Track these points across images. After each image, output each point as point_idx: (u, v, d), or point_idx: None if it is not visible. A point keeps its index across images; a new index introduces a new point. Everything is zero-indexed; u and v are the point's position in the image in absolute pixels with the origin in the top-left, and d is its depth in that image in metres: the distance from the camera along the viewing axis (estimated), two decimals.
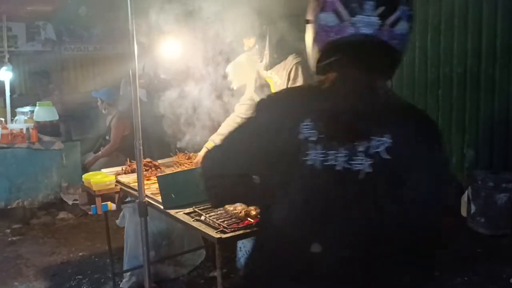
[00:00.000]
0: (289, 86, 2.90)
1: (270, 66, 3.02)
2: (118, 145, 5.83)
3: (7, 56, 6.73)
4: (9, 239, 5.03)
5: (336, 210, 1.28)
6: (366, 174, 1.25)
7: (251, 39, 3.00)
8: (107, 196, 3.06)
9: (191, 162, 3.32)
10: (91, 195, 3.07)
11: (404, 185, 1.26)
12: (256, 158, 1.35)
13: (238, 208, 2.31)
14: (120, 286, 3.75)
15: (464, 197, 4.69)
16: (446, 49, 5.10)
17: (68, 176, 5.83)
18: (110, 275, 3.78)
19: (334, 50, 1.32)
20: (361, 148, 1.26)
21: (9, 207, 5.52)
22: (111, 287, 3.79)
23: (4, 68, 6.46)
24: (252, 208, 2.29)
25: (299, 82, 2.89)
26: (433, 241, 1.35)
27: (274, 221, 1.33)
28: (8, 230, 5.24)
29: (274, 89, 3.05)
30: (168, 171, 3.12)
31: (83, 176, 3.22)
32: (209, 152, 1.51)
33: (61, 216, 5.57)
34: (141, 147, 2.60)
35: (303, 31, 1.44)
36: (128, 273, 3.75)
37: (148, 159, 3.36)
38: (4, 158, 5.48)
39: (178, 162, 3.42)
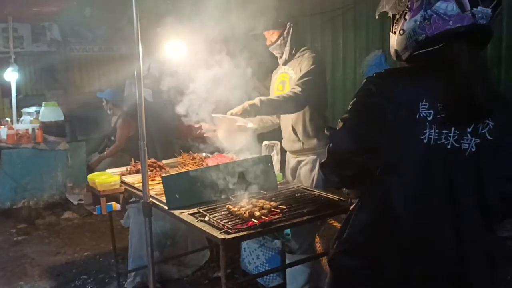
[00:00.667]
0: (302, 74, 2.97)
1: (288, 61, 3.14)
2: (123, 145, 5.84)
3: (13, 56, 6.77)
4: (15, 238, 5.05)
5: (445, 185, 1.44)
6: (471, 152, 1.44)
7: (274, 34, 3.10)
8: (111, 196, 3.07)
9: (195, 163, 3.33)
10: (96, 195, 3.08)
11: (500, 162, 1.47)
12: (378, 132, 1.46)
13: (242, 209, 2.32)
14: (125, 286, 3.76)
15: None
16: None
17: (73, 176, 5.86)
18: (115, 275, 3.79)
19: (446, 38, 1.44)
20: (469, 129, 1.44)
21: (14, 207, 5.56)
22: (115, 287, 3.80)
23: (10, 68, 6.50)
24: (256, 209, 2.30)
25: (306, 69, 2.97)
26: None
27: (388, 196, 1.46)
28: (14, 230, 5.27)
29: (290, 83, 3.12)
30: (172, 171, 3.12)
31: (88, 176, 3.23)
32: (334, 130, 1.56)
33: (66, 216, 5.60)
34: (146, 148, 2.61)
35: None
36: (133, 273, 3.76)
37: (153, 160, 3.37)
38: (10, 158, 5.52)
39: (182, 162, 3.42)
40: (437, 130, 1.43)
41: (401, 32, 1.53)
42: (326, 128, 1.61)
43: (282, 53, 3.16)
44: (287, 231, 3.53)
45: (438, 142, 1.44)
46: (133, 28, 2.53)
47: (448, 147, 1.44)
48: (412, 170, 1.46)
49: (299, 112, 3.09)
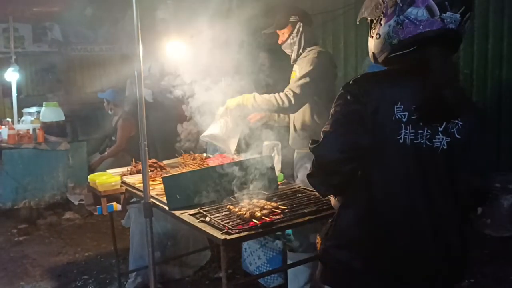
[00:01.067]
0: (299, 76, 3.03)
1: (296, 59, 3.21)
2: (124, 145, 5.85)
3: (13, 57, 6.77)
4: (16, 239, 5.05)
5: (421, 180, 1.57)
6: (443, 150, 1.57)
7: (285, 33, 3.19)
8: (112, 197, 3.06)
9: (196, 163, 3.33)
10: (96, 196, 3.07)
11: (468, 159, 1.61)
12: (359, 138, 1.56)
13: (243, 209, 2.31)
14: (126, 286, 3.76)
15: None
16: None
17: (74, 176, 5.85)
18: (116, 275, 3.79)
19: (417, 42, 1.54)
20: (440, 128, 1.56)
21: (15, 207, 5.55)
22: (116, 287, 3.80)
23: (11, 69, 6.50)
24: (257, 209, 2.29)
25: (303, 72, 3.02)
26: (484, 200, 1.76)
27: (374, 194, 1.58)
28: (15, 230, 5.27)
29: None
30: (173, 172, 3.12)
31: (88, 176, 3.23)
32: (317, 143, 1.62)
33: (67, 216, 5.60)
34: (147, 148, 2.61)
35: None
36: (134, 274, 3.76)
37: (154, 160, 3.37)
38: (11, 159, 5.52)
39: (183, 163, 3.42)
40: (412, 130, 1.55)
41: (377, 36, 1.63)
42: (310, 142, 1.67)
43: (292, 52, 3.22)
44: (289, 231, 3.52)
45: (415, 141, 1.56)
46: (134, 28, 2.53)
47: (424, 146, 1.56)
48: (391, 168, 1.57)
49: (308, 109, 3.14)
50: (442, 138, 1.56)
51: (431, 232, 1.60)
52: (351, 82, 1.61)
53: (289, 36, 3.19)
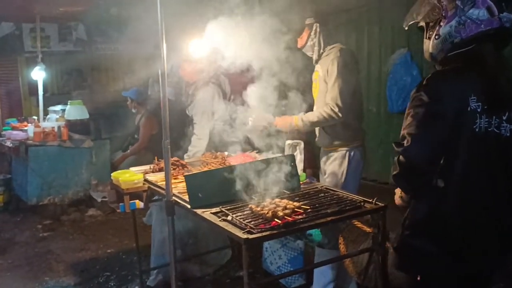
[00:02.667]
0: (326, 80, 3.08)
1: (318, 59, 3.21)
2: (146, 144, 5.90)
3: (40, 56, 6.89)
4: (40, 234, 5.15)
5: (488, 165, 1.76)
6: (506, 137, 1.77)
7: (303, 37, 3.19)
8: (135, 194, 3.08)
9: (217, 161, 3.32)
10: (119, 193, 3.10)
11: None
12: (443, 135, 1.72)
13: (265, 208, 2.29)
14: (147, 283, 3.79)
15: None
16: None
17: (97, 174, 5.93)
18: (137, 272, 3.82)
19: (477, 39, 1.71)
20: (504, 117, 1.76)
21: (40, 203, 5.66)
22: (138, 284, 3.83)
23: (37, 68, 6.62)
24: (279, 209, 2.28)
25: (333, 76, 3.04)
26: None
27: (449, 183, 1.75)
28: (40, 226, 5.37)
29: (319, 81, 3.18)
30: (195, 170, 3.12)
31: (112, 174, 3.25)
32: (411, 142, 1.75)
33: (90, 213, 5.68)
34: (169, 146, 2.61)
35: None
36: (155, 271, 3.78)
37: (176, 158, 3.37)
38: (37, 156, 5.62)
39: (205, 161, 3.42)
40: (486, 119, 1.73)
41: (436, 37, 1.79)
42: (394, 144, 1.82)
43: (313, 53, 3.21)
44: (310, 231, 3.50)
45: (489, 129, 1.74)
46: (158, 28, 2.53)
47: (493, 133, 1.74)
48: (468, 157, 1.73)
49: None
50: (507, 126, 1.76)
51: (494, 215, 1.80)
52: (424, 82, 1.76)
53: (308, 38, 3.17)
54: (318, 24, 3.13)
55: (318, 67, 3.22)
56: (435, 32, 1.80)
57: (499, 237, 1.85)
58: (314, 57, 3.22)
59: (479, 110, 1.72)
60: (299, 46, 3.21)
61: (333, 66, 3.04)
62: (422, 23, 1.87)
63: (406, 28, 1.98)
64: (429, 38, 1.83)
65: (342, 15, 5.89)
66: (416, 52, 5.35)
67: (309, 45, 3.18)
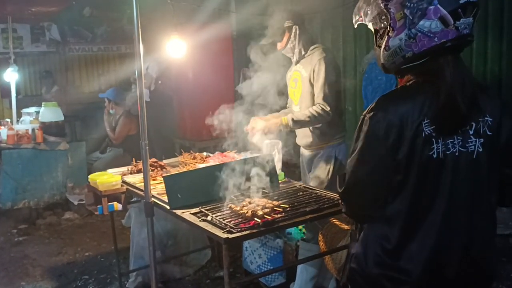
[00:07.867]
0: (313, 80, 3.12)
1: (299, 60, 3.24)
2: (120, 141, 5.92)
3: (12, 57, 6.75)
4: (16, 239, 5.04)
5: (462, 189, 1.51)
6: (479, 152, 1.51)
7: (283, 41, 3.21)
8: (113, 196, 3.06)
9: (196, 162, 3.32)
10: (97, 195, 3.07)
11: (498, 152, 1.54)
12: (390, 160, 1.50)
13: (245, 208, 2.31)
14: (126, 286, 3.76)
15: None
16: None
17: (73, 176, 5.85)
18: (116, 275, 3.79)
19: (432, 52, 1.46)
20: (471, 131, 1.50)
21: (15, 207, 5.55)
22: (117, 287, 3.80)
23: (9, 69, 6.49)
24: (259, 208, 2.29)
25: (322, 76, 3.07)
26: None
27: (413, 211, 1.51)
28: (15, 230, 5.26)
29: (302, 81, 3.21)
30: (173, 171, 3.12)
31: (89, 176, 3.22)
32: (348, 169, 1.58)
33: (66, 216, 5.59)
34: (147, 147, 2.60)
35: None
36: (134, 273, 3.75)
37: (154, 159, 3.36)
38: (10, 159, 5.51)
39: (183, 162, 3.42)
40: (443, 143, 1.48)
41: (387, 48, 1.54)
42: (338, 178, 1.65)
43: (293, 55, 3.24)
44: (289, 230, 3.53)
45: (447, 152, 1.49)
46: (133, 28, 2.52)
47: (457, 154, 1.50)
48: (428, 185, 1.50)
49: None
50: (475, 141, 1.50)
51: (464, 244, 1.57)
52: (371, 112, 1.52)
53: (287, 40, 3.18)
54: (297, 27, 3.15)
55: (299, 68, 3.24)
56: (384, 42, 1.55)
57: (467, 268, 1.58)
58: (295, 58, 3.24)
59: (434, 134, 1.47)
60: (278, 48, 3.23)
61: (321, 66, 3.07)
62: (371, 27, 1.64)
63: (355, 27, 1.76)
64: (379, 47, 1.59)
65: (317, 16, 5.95)
66: None
67: (290, 47, 3.20)
